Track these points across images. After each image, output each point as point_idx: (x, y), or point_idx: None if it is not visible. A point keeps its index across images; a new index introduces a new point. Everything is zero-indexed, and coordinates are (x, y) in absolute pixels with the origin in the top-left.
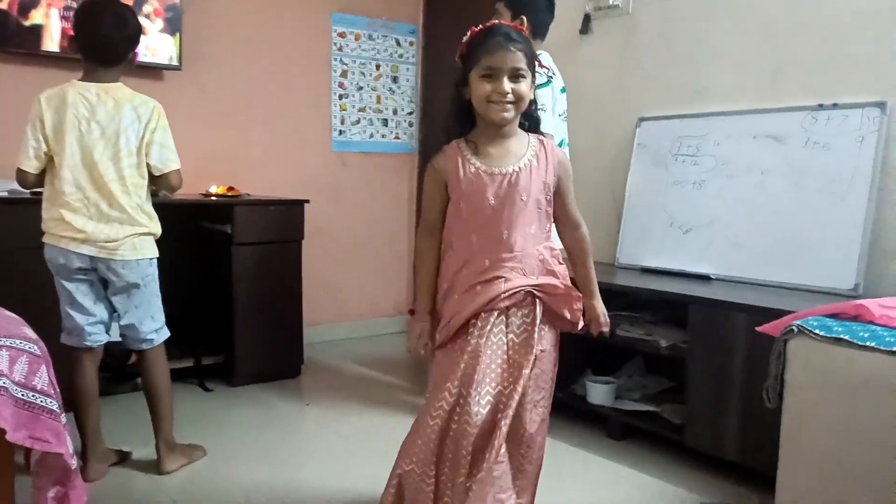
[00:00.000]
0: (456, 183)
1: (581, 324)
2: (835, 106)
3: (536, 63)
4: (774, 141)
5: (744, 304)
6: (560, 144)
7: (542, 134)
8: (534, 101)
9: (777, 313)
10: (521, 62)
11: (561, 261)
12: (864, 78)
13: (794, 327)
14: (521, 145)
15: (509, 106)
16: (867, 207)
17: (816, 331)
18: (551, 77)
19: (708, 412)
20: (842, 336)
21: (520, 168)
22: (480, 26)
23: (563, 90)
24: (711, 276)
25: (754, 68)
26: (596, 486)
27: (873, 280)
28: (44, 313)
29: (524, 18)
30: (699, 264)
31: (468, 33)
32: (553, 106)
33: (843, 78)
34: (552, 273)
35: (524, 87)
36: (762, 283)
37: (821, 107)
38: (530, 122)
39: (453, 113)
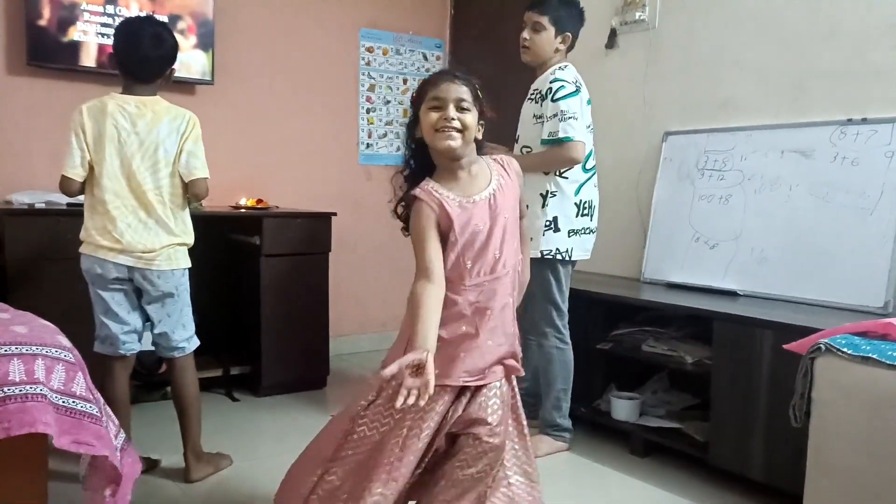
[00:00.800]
0: (445, 217)
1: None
2: (864, 121)
3: (486, 113)
4: (802, 156)
5: (770, 320)
6: (589, 156)
7: (491, 152)
8: (480, 144)
9: (804, 331)
10: (465, 94)
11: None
12: (892, 92)
13: (821, 345)
14: (483, 170)
15: (456, 134)
16: None
17: (844, 349)
18: (579, 87)
19: (733, 430)
20: (870, 355)
21: (494, 190)
22: (430, 74)
23: (588, 102)
24: (739, 293)
25: (781, 82)
26: (618, 502)
27: None
28: (77, 322)
29: (569, 35)
30: (725, 280)
31: (419, 84)
32: (581, 115)
33: (870, 91)
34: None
35: (469, 118)
36: (789, 299)
37: (850, 121)
38: (480, 148)
39: (413, 156)
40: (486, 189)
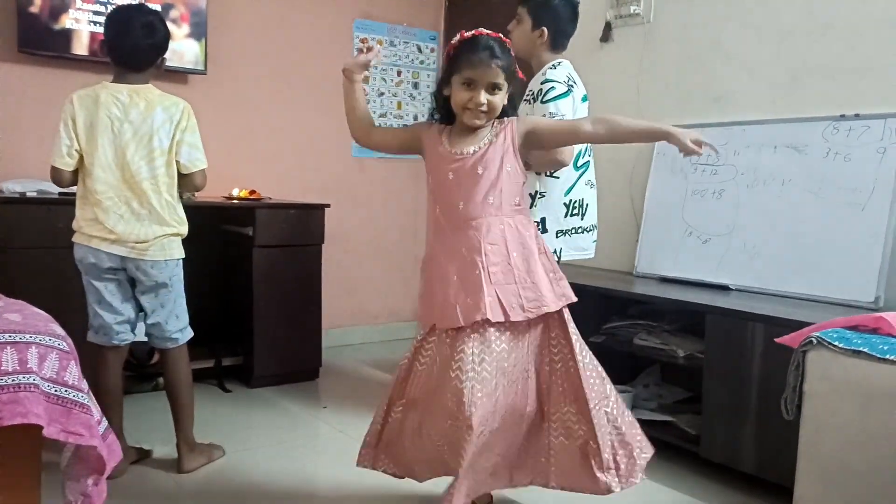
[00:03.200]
0: (429, 158)
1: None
2: (857, 116)
3: (518, 74)
4: (795, 151)
5: (762, 314)
6: (580, 154)
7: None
8: (512, 108)
9: (796, 325)
10: (499, 77)
11: (540, 241)
12: (885, 88)
13: (813, 339)
14: (485, 130)
15: (482, 115)
16: (888, 219)
17: (835, 343)
18: (572, 87)
19: (724, 423)
20: (861, 348)
21: (479, 147)
22: (471, 33)
23: (584, 99)
24: (731, 287)
25: (774, 77)
26: (609, 495)
27: (894, 293)
28: (70, 311)
29: (545, 30)
30: (718, 274)
31: (458, 35)
32: (574, 116)
33: (863, 87)
34: (519, 243)
35: (498, 99)
36: (781, 294)
37: (842, 117)
38: (503, 115)
39: (438, 107)
40: (476, 143)
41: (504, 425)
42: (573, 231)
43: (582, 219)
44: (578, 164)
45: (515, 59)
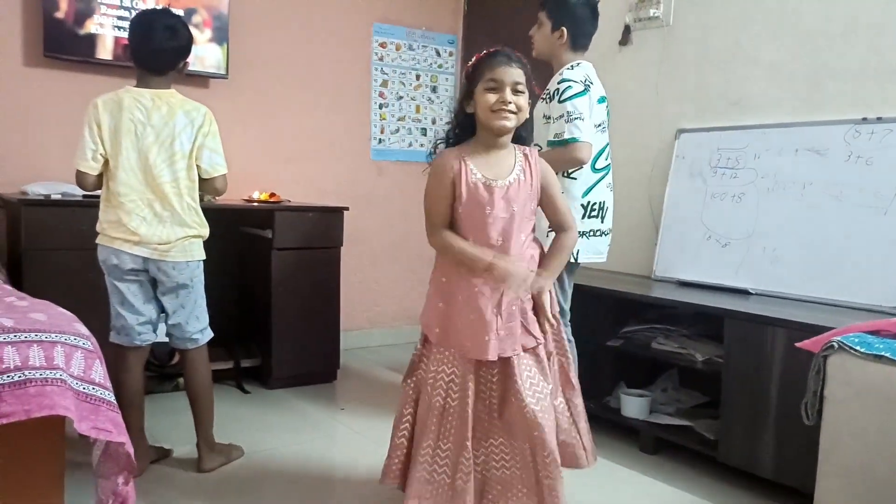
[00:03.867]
0: (459, 186)
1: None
2: (879, 120)
3: (533, 87)
4: (816, 154)
5: (782, 318)
6: (600, 154)
7: (526, 145)
8: (529, 121)
9: (816, 329)
10: (520, 78)
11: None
12: None
13: (834, 343)
14: (510, 157)
15: (511, 115)
16: None
17: (857, 347)
18: (588, 86)
19: (743, 428)
20: (882, 353)
21: (510, 182)
22: (485, 51)
23: (601, 100)
24: (751, 291)
25: (795, 80)
26: (627, 499)
27: None
28: (92, 312)
29: (564, 30)
30: (737, 278)
31: (474, 57)
32: (590, 115)
33: (886, 90)
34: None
35: (523, 100)
36: (802, 298)
37: (864, 120)
38: (519, 140)
39: (457, 124)
40: (507, 177)
41: None
42: (591, 234)
43: (602, 221)
44: (598, 167)
45: (538, 61)
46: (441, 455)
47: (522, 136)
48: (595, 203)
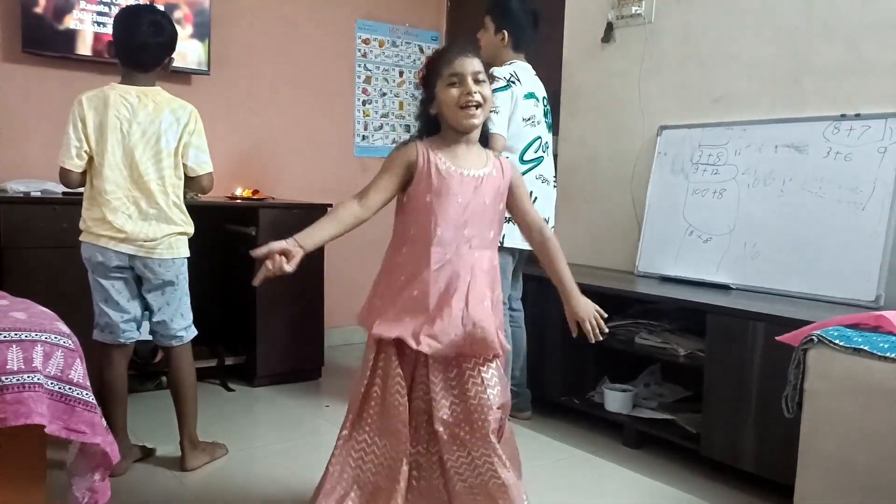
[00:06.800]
0: (427, 175)
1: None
2: (857, 116)
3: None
4: (796, 151)
5: (763, 313)
6: (528, 146)
7: (492, 149)
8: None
9: (796, 323)
10: (479, 66)
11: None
12: (886, 88)
13: (813, 337)
14: (481, 154)
15: (477, 111)
16: (889, 219)
17: (836, 341)
18: (512, 83)
19: (724, 421)
20: (861, 346)
21: (484, 174)
22: (435, 50)
23: (528, 96)
24: (732, 286)
25: (775, 77)
26: (610, 493)
27: (895, 292)
28: (74, 310)
29: (506, 33)
30: (718, 273)
31: (424, 62)
32: (512, 110)
33: (864, 87)
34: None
35: (486, 90)
36: (782, 293)
37: (843, 117)
38: (485, 136)
39: (424, 128)
40: (480, 169)
41: None
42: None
43: None
44: (525, 159)
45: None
46: None
47: (486, 132)
48: None
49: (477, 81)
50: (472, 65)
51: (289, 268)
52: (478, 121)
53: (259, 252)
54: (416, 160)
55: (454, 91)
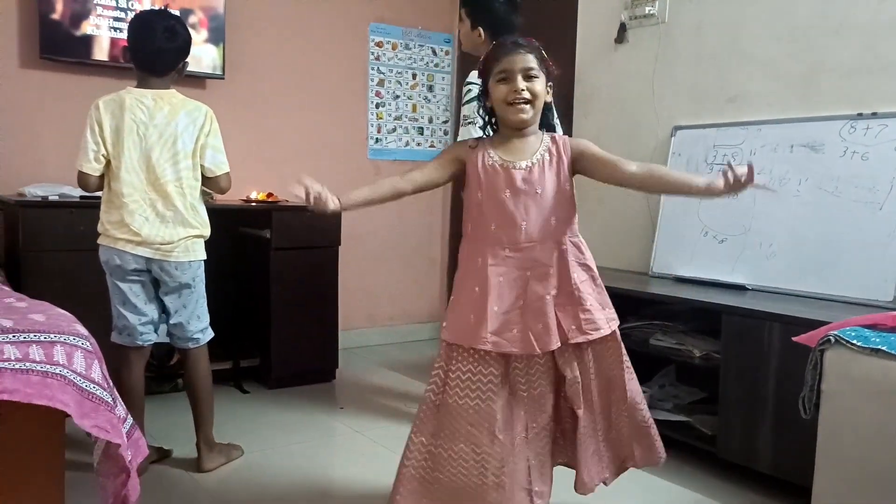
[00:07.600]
0: (474, 171)
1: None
2: (874, 115)
3: (548, 65)
4: (811, 150)
5: (778, 313)
6: None
7: (553, 130)
8: (549, 106)
9: (813, 324)
10: (531, 62)
11: (588, 259)
12: None
13: (830, 337)
14: (536, 143)
15: (526, 106)
16: None
17: (854, 341)
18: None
19: (741, 423)
20: (879, 347)
21: (532, 163)
22: (491, 45)
23: None
24: (747, 287)
25: (791, 76)
26: (625, 495)
27: None
28: (91, 313)
29: (481, 30)
30: (734, 274)
31: (482, 56)
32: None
33: (881, 86)
34: (580, 265)
35: (538, 86)
36: (798, 293)
37: (860, 116)
38: (545, 126)
39: (487, 122)
40: (529, 159)
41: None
42: None
43: None
44: None
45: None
46: None
47: (549, 118)
48: None
49: (528, 77)
50: (523, 61)
51: (329, 208)
52: (527, 115)
53: (305, 190)
54: (465, 157)
55: (503, 87)
